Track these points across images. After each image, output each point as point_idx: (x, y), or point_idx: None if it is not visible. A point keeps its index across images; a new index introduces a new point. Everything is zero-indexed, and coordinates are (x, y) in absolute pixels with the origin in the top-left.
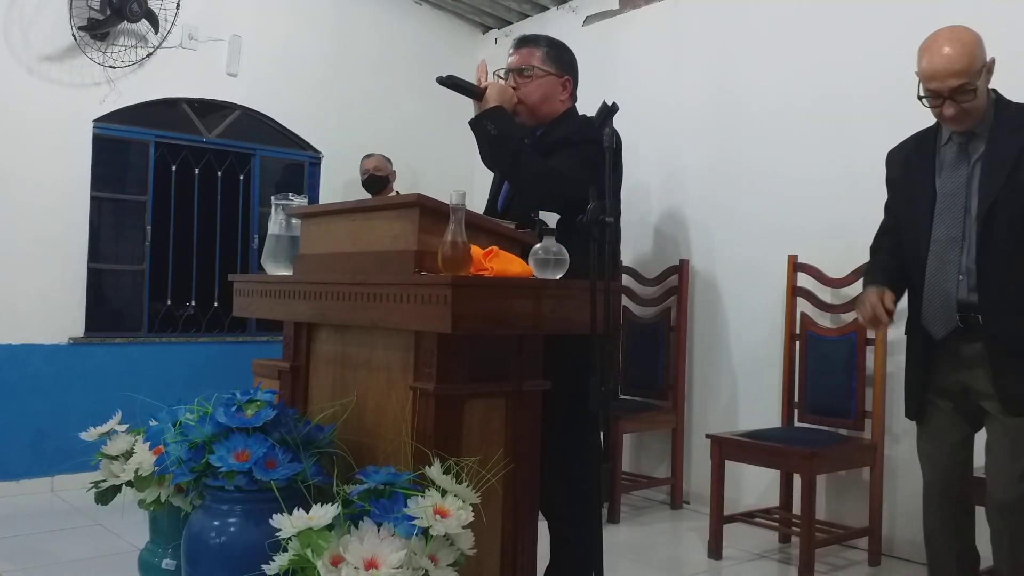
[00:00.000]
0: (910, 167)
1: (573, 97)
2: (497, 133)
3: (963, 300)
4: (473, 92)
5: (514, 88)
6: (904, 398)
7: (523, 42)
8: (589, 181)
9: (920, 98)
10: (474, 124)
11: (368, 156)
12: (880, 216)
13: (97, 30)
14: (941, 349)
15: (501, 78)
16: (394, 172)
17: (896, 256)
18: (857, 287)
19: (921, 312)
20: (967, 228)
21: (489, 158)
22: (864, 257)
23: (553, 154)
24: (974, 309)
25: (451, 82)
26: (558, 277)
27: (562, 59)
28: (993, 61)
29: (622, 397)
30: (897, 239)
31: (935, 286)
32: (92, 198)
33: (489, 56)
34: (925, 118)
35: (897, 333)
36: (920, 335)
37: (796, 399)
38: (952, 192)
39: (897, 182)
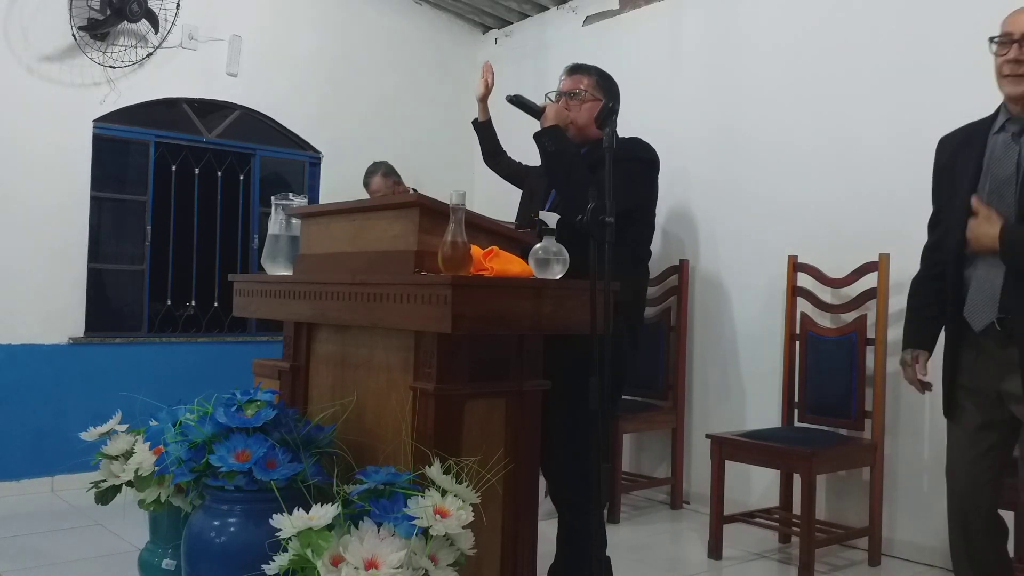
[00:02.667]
0: (958, 155)
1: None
2: (554, 150)
3: (1008, 293)
4: (535, 111)
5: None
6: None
7: (575, 69)
8: (631, 195)
9: (990, 40)
10: (536, 139)
11: (369, 173)
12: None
13: (97, 30)
14: (973, 349)
15: (552, 100)
16: (401, 189)
17: (940, 293)
18: (857, 287)
19: (965, 303)
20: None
21: (545, 170)
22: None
23: (598, 169)
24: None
25: (518, 101)
26: (558, 277)
27: (609, 88)
28: None
29: (622, 397)
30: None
31: (982, 278)
32: (92, 198)
33: (490, 56)
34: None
35: (897, 333)
36: (953, 330)
37: (796, 399)
38: (1003, 181)
39: (945, 169)
